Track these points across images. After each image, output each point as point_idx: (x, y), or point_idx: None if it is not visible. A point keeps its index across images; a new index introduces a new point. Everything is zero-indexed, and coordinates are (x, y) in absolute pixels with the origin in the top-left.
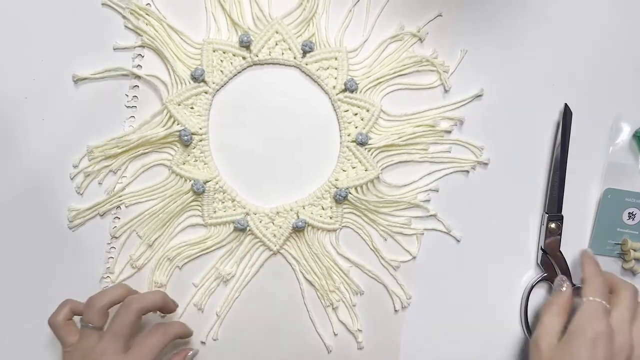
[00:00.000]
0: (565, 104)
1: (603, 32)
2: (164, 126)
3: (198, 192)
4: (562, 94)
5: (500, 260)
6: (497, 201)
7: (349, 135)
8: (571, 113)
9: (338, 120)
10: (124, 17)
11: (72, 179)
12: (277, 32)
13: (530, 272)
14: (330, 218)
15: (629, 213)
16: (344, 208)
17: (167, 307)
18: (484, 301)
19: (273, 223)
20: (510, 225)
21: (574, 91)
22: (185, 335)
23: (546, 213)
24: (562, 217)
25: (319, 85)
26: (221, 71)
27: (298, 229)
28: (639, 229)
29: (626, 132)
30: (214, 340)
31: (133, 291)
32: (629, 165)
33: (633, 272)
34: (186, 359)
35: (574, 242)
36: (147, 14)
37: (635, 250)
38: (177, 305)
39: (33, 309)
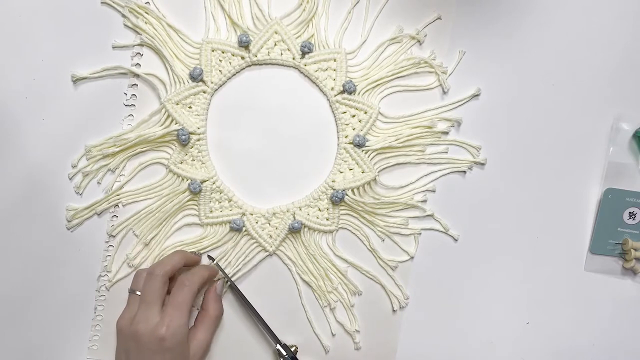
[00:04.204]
0: None
1: (603, 32)
2: (161, 125)
3: (195, 191)
4: (562, 94)
5: (497, 260)
6: (494, 201)
7: (346, 137)
8: None
9: (336, 121)
10: (123, 15)
11: (70, 179)
12: (276, 33)
13: (528, 270)
14: (327, 219)
15: (630, 213)
16: (341, 209)
17: (189, 262)
18: (481, 300)
19: (269, 224)
20: (508, 224)
21: (574, 91)
22: (211, 277)
23: None
24: None
25: (317, 86)
26: (220, 71)
27: (294, 230)
28: None
29: (626, 132)
30: None
31: (189, 256)
32: (629, 165)
33: (634, 272)
34: (217, 292)
35: (575, 242)
36: (146, 13)
37: (636, 250)
38: (200, 255)
39: (32, 308)
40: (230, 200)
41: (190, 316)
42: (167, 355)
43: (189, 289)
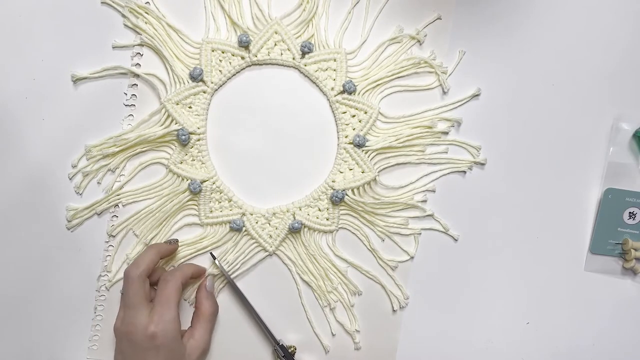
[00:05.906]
0: None
1: (603, 32)
2: (162, 125)
3: (195, 191)
4: (562, 94)
5: (497, 260)
6: (494, 201)
7: (346, 137)
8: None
9: (336, 121)
10: (123, 15)
11: (70, 179)
12: (276, 33)
13: (528, 270)
14: (327, 219)
15: (630, 213)
16: (341, 209)
17: (165, 254)
18: (481, 300)
19: (269, 224)
20: (508, 224)
21: (574, 91)
22: (197, 274)
23: None
24: None
25: (317, 86)
26: (220, 71)
27: (294, 230)
28: None
29: (626, 132)
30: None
31: (163, 248)
32: (629, 165)
33: (634, 272)
34: (207, 289)
35: (575, 242)
36: (146, 13)
37: (636, 250)
38: (176, 243)
39: (32, 308)
40: (230, 200)
41: (179, 311)
42: (160, 352)
43: (173, 284)
